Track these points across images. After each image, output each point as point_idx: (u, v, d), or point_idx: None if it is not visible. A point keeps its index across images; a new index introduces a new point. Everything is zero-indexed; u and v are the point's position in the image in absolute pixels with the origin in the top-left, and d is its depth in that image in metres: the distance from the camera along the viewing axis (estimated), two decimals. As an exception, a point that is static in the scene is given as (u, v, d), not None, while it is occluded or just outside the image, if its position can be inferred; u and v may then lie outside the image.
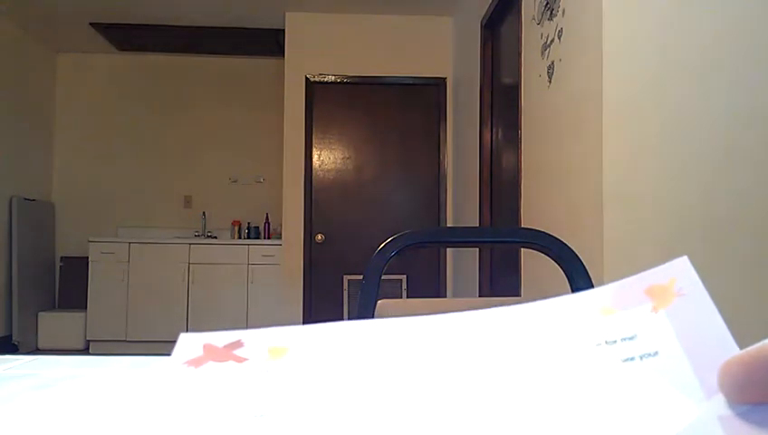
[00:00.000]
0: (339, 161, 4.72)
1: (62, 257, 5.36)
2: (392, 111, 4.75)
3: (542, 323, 0.26)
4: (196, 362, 0.26)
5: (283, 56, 4.71)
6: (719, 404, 0.21)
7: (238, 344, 0.26)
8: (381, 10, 4.63)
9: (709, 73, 1.82)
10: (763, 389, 0.20)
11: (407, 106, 4.76)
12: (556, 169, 2.31)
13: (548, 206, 2.41)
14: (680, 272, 0.26)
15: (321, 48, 4.69)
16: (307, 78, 4.67)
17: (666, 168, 1.80)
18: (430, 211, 4.73)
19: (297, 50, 4.68)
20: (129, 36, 5.10)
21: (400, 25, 4.72)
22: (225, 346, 0.26)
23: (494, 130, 3.58)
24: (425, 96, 4.76)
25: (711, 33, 1.83)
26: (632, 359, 0.24)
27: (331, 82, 4.71)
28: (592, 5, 1.94)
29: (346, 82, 4.72)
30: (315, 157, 4.69)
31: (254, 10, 4.60)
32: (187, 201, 5.55)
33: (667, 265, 0.26)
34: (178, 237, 5.17)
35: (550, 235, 0.91)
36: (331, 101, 4.71)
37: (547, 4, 2.41)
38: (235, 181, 5.56)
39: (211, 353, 0.26)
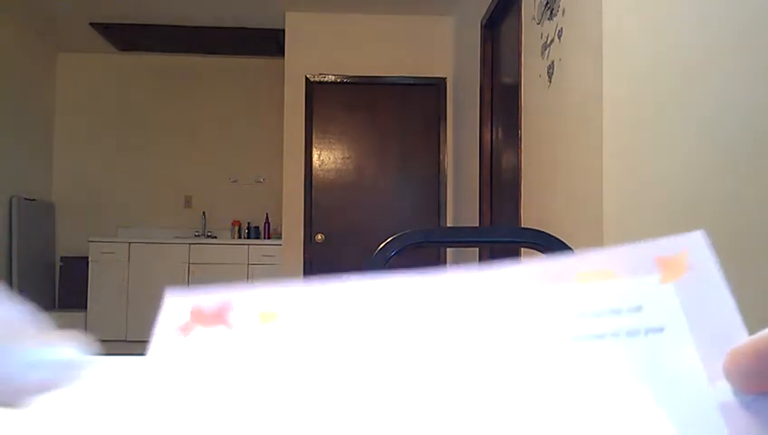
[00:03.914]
0: (339, 161, 4.72)
1: (62, 257, 5.36)
2: (392, 111, 4.75)
3: (548, 282, 0.25)
4: (184, 330, 0.25)
5: (283, 56, 4.71)
6: (722, 391, 0.21)
7: (227, 308, 0.25)
8: (381, 10, 4.63)
9: (710, 73, 1.82)
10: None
11: (407, 106, 4.76)
12: (556, 169, 2.31)
13: (548, 206, 2.41)
14: (694, 246, 0.25)
15: (321, 48, 4.69)
16: (307, 78, 4.67)
17: (666, 167, 1.80)
18: (430, 211, 4.73)
19: (297, 50, 4.68)
20: (129, 36, 5.10)
21: (400, 25, 4.72)
22: (213, 310, 0.25)
23: (494, 130, 3.58)
24: (425, 96, 4.75)
25: (712, 32, 1.83)
26: (637, 333, 0.23)
27: (331, 82, 4.70)
28: (592, 5, 1.94)
29: (346, 82, 4.71)
30: (315, 157, 4.69)
31: (254, 10, 4.60)
32: (187, 201, 5.55)
33: (681, 236, 0.25)
34: (178, 237, 5.17)
35: (550, 234, 0.91)
36: (331, 101, 4.71)
37: (547, 4, 2.41)
38: (235, 181, 5.56)
39: (199, 318, 0.25)
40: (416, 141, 4.75)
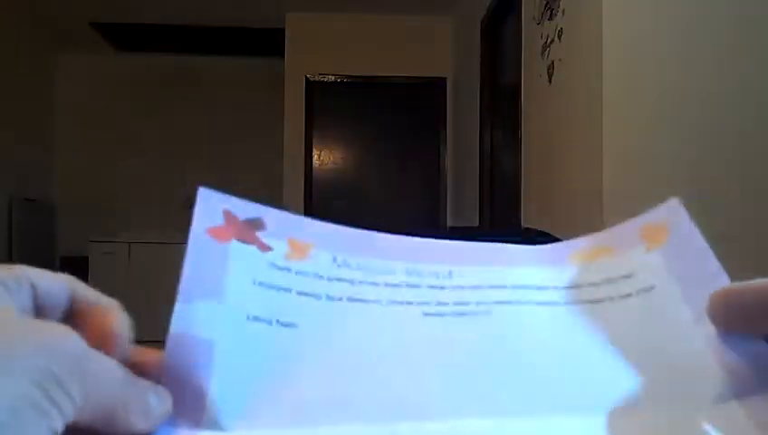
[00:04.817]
0: (339, 161, 4.72)
1: (61, 257, 5.36)
2: (392, 111, 4.75)
3: (548, 265, 0.28)
4: (220, 234, 0.25)
5: (283, 56, 4.71)
6: (707, 330, 0.23)
7: (260, 225, 0.26)
8: (381, 10, 4.63)
9: (710, 72, 1.82)
10: (747, 318, 0.22)
11: (407, 106, 4.76)
12: (556, 169, 2.31)
13: (548, 206, 2.41)
14: (672, 213, 0.27)
15: (321, 48, 4.69)
16: (307, 78, 4.67)
17: (666, 167, 1.80)
18: (430, 211, 4.73)
19: (297, 50, 4.68)
20: (129, 36, 5.10)
21: (400, 25, 4.72)
22: (246, 222, 0.26)
23: (494, 130, 3.58)
24: (425, 96, 4.75)
25: (712, 31, 1.83)
26: (629, 295, 0.26)
27: (331, 82, 4.70)
28: (592, 5, 1.94)
29: (346, 82, 4.71)
30: (315, 157, 4.69)
31: (254, 10, 4.60)
32: (188, 201, 5.54)
33: (660, 207, 0.28)
34: (179, 238, 5.17)
35: (550, 234, 0.91)
36: (331, 101, 4.71)
37: (547, 4, 2.41)
38: (235, 181, 5.55)
39: (233, 227, 0.26)
40: (416, 141, 4.75)
